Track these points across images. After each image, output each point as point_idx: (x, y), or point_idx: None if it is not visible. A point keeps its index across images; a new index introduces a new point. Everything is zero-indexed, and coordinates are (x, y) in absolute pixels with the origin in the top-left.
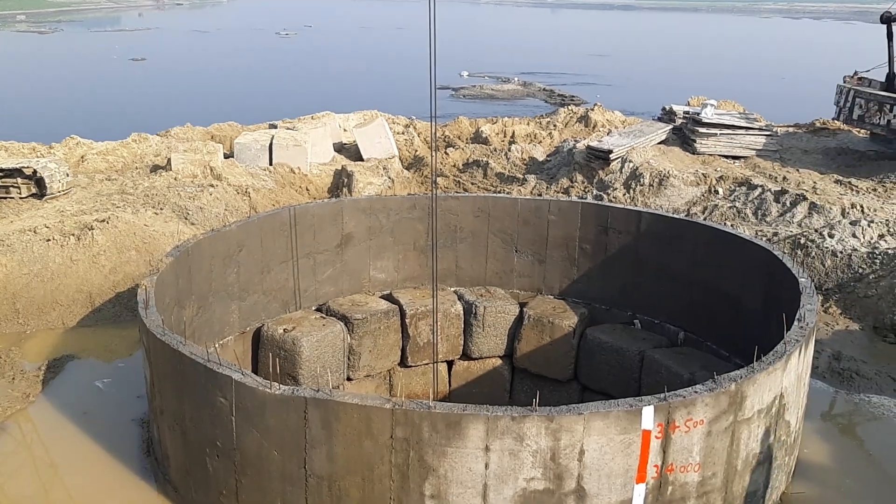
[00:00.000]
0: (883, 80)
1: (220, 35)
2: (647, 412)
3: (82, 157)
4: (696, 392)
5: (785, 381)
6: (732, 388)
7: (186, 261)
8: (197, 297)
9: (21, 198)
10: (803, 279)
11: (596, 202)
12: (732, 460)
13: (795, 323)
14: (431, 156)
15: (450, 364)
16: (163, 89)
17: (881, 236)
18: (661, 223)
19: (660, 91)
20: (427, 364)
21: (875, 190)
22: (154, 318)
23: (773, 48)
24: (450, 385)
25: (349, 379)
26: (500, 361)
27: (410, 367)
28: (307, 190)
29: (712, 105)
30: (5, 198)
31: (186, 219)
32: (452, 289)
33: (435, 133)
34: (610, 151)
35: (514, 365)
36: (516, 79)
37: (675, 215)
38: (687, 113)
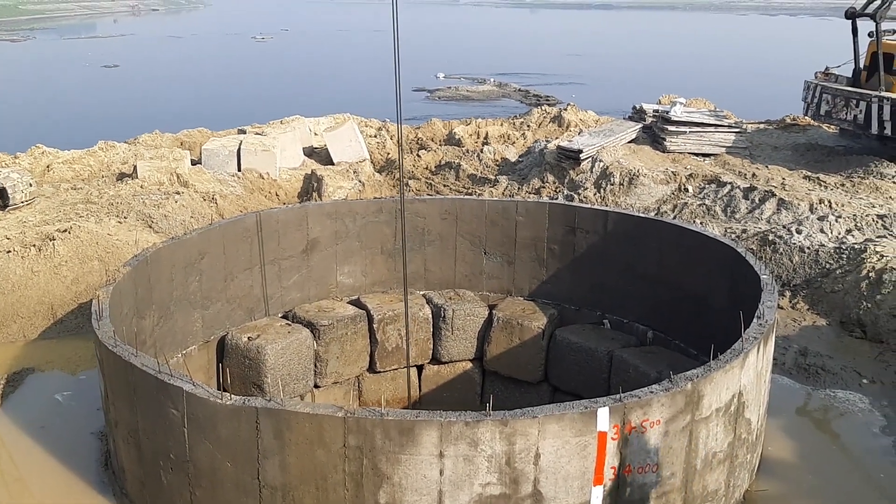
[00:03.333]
0: (850, 75)
1: (195, 40)
2: (603, 413)
3: (48, 167)
4: (651, 392)
5: (744, 378)
6: (689, 388)
7: (146, 270)
8: (158, 307)
9: None
10: (765, 276)
11: (563, 202)
12: (691, 460)
13: (755, 320)
14: (398, 159)
15: (420, 368)
16: (134, 96)
17: (848, 231)
18: (628, 222)
19: (635, 90)
20: (396, 369)
21: (843, 185)
22: (106, 329)
23: (749, 45)
24: (420, 390)
25: (317, 386)
26: (470, 365)
27: (379, 372)
28: (277, 195)
29: (681, 103)
30: None
31: (151, 227)
32: (421, 292)
33: (401, 136)
34: (580, 151)
35: (484, 368)
36: (492, 80)
37: (641, 214)
38: (657, 111)
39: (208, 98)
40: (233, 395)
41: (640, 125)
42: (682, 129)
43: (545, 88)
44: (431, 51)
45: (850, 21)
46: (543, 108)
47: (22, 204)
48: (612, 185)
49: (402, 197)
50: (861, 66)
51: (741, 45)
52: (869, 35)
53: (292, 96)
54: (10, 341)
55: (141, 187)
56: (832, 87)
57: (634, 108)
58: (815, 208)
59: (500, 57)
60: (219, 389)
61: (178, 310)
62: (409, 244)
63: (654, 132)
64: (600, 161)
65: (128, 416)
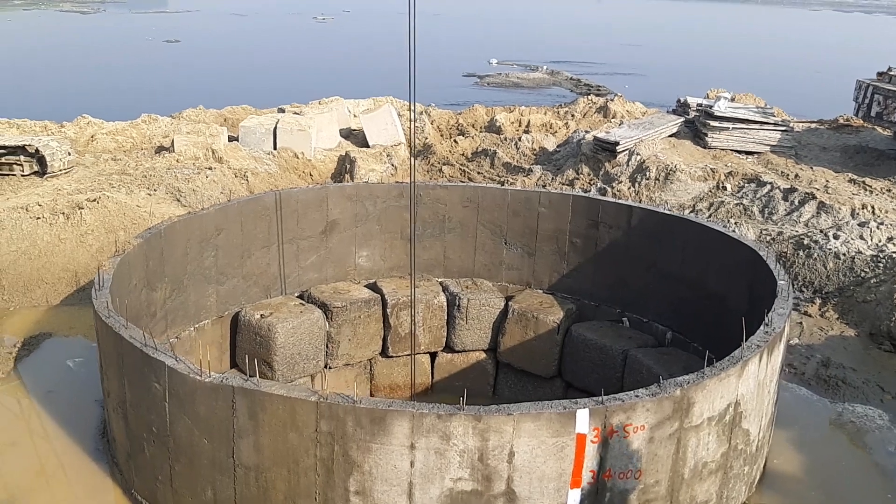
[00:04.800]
0: None
1: (257, 18)
2: (582, 415)
3: (92, 137)
4: (637, 396)
5: (741, 388)
6: (677, 394)
7: (158, 243)
8: (170, 280)
9: (23, 175)
10: (782, 281)
11: (586, 195)
12: (679, 468)
13: (761, 327)
14: (411, 146)
15: (433, 356)
16: (188, 71)
17: (890, 239)
18: (652, 219)
19: (690, 83)
20: (409, 355)
21: (889, 191)
22: (104, 299)
23: (816, 41)
24: (432, 377)
25: (328, 367)
26: (484, 355)
27: (392, 357)
28: (310, 175)
29: (726, 98)
30: (8, 175)
31: (179, 201)
32: (439, 279)
33: (414, 121)
34: (616, 143)
35: (498, 359)
36: (545, 67)
37: (665, 210)
38: (700, 105)
39: (258, 76)
40: (212, 373)
41: (682, 119)
42: (725, 125)
43: (599, 78)
44: (488, 36)
45: None
46: (590, 97)
47: (60, 172)
48: (648, 179)
49: (413, 183)
50: None
51: (808, 40)
52: None
53: (340, 77)
54: (34, 305)
55: (177, 161)
56: (884, 88)
57: (679, 101)
58: (857, 213)
59: (558, 44)
60: (232, 366)
61: (191, 284)
62: (430, 231)
63: (696, 127)
64: (637, 154)
65: (117, 387)
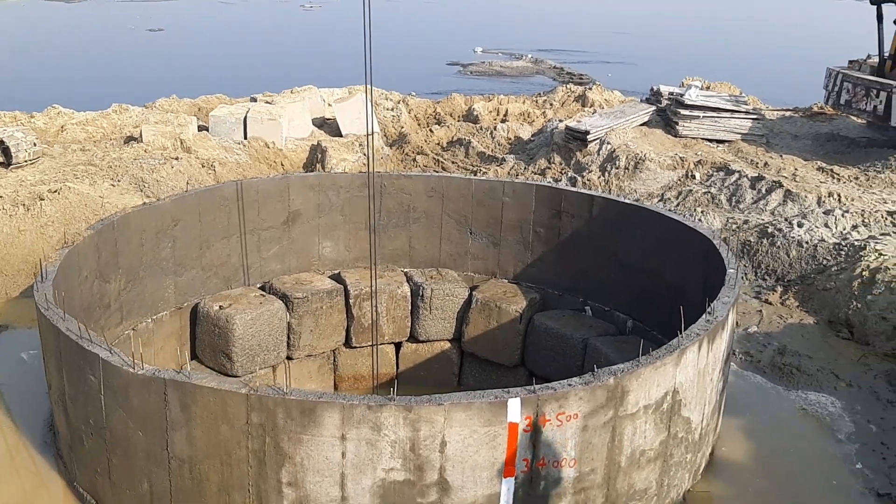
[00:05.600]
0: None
1: (243, 7)
2: (514, 404)
3: (62, 127)
4: (569, 385)
5: (680, 376)
6: (611, 382)
7: (111, 234)
8: (125, 272)
9: None
10: (731, 270)
11: (549, 184)
12: (614, 457)
13: (703, 315)
14: (368, 138)
15: (398, 346)
16: (168, 60)
17: (854, 227)
18: (612, 208)
19: (677, 71)
20: (373, 345)
21: (857, 178)
22: (44, 291)
23: (805, 29)
24: (397, 367)
25: (290, 358)
26: (448, 345)
27: (355, 347)
28: (282, 165)
29: (697, 86)
30: None
31: (142, 191)
32: (404, 270)
33: (372, 110)
34: (587, 132)
35: (462, 349)
36: (529, 55)
37: (625, 200)
38: (672, 94)
39: (238, 65)
40: (145, 365)
41: (654, 108)
42: (696, 113)
43: (584, 66)
44: (476, 24)
45: (875, 7)
46: (568, 86)
47: (25, 163)
48: (618, 168)
49: (371, 173)
50: (886, 54)
51: (797, 27)
52: (894, 23)
53: (320, 66)
54: None
55: (145, 151)
56: (853, 76)
57: (651, 89)
58: (823, 201)
59: (547, 32)
60: (193, 357)
61: (147, 275)
62: (395, 221)
63: (667, 116)
64: (608, 143)
65: (57, 380)
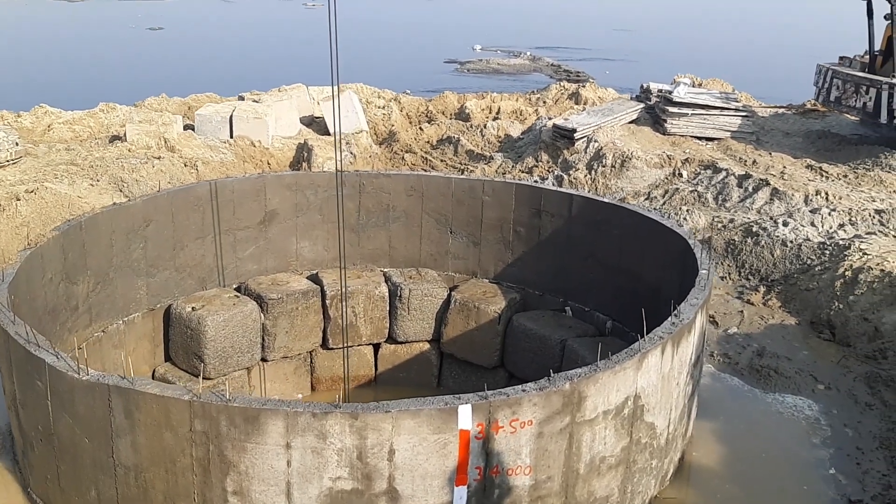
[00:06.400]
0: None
1: (245, 5)
2: (465, 411)
3: (49, 126)
4: (523, 391)
5: (641, 381)
6: (567, 388)
7: (79, 235)
8: (94, 273)
9: None
10: (703, 270)
11: (529, 183)
12: (572, 464)
13: (669, 318)
14: (335, 136)
15: (376, 347)
16: (166, 59)
17: (841, 225)
18: (591, 207)
19: (675, 68)
20: (351, 346)
21: (846, 176)
22: (1, 295)
23: (808, 25)
24: (376, 369)
25: (265, 360)
26: (428, 346)
27: (332, 349)
28: (268, 164)
29: (686, 83)
30: None
31: (121, 191)
32: (384, 270)
33: (338, 111)
34: (574, 130)
35: (441, 350)
36: (528, 53)
37: (604, 199)
38: (661, 91)
39: (233, 63)
40: (90, 371)
41: (642, 105)
42: (685, 110)
43: (582, 64)
44: (477, 21)
45: (865, 2)
46: (562, 84)
47: (7, 163)
48: (604, 167)
49: (339, 173)
50: (876, 50)
51: (800, 24)
52: (885, 18)
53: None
54: None
55: (129, 150)
56: (843, 72)
57: (641, 87)
58: (811, 200)
59: (547, 30)
60: (166, 359)
61: (118, 276)
62: (374, 220)
63: (656, 113)
64: (595, 141)
65: (9, 385)
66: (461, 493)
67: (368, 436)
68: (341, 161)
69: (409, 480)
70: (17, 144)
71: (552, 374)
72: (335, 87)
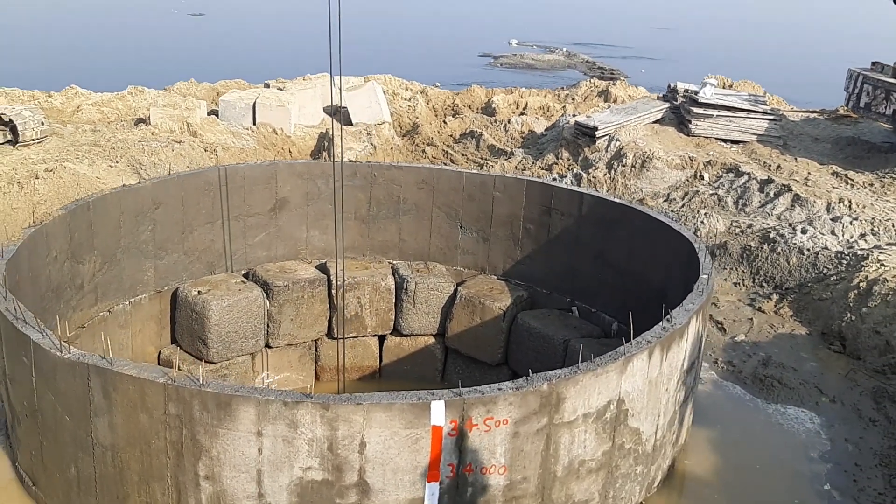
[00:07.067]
0: None
1: None
2: (437, 407)
3: (78, 107)
4: (499, 389)
5: (625, 385)
6: (545, 388)
7: (86, 214)
8: (101, 253)
9: None
10: (704, 275)
11: (540, 180)
12: (549, 465)
13: (661, 322)
14: (332, 124)
15: (381, 339)
16: (202, 44)
17: (862, 235)
18: (601, 207)
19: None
20: (356, 337)
21: (872, 185)
22: None
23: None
24: (381, 361)
25: (269, 346)
26: (433, 340)
27: (338, 338)
28: (289, 152)
29: (712, 84)
30: None
31: (139, 173)
32: (392, 262)
33: (339, 101)
34: (595, 128)
35: (446, 345)
36: (564, 49)
37: (614, 199)
38: (687, 91)
39: (267, 51)
40: (72, 349)
41: (668, 105)
42: (710, 112)
43: (618, 62)
44: (515, 16)
45: (894, 5)
46: (592, 80)
47: (32, 142)
48: (624, 166)
49: (339, 163)
50: None
51: (858, 30)
52: None
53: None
54: None
55: (152, 134)
56: (874, 78)
57: (669, 86)
58: (833, 207)
59: (587, 26)
60: (173, 341)
61: (125, 257)
62: (384, 212)
63: (681, 114)
64: (616, 140)
65: (0, 360)
66: (433, 489)
67: (339, 427)
68: (342, 155)
69: (381, 474)
70: (42, 124)
71: (530, 374)
72: (332, 80)
